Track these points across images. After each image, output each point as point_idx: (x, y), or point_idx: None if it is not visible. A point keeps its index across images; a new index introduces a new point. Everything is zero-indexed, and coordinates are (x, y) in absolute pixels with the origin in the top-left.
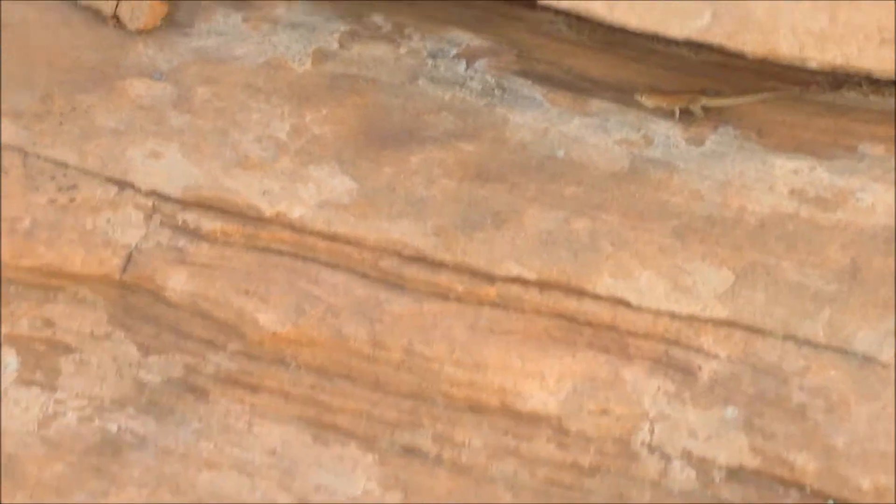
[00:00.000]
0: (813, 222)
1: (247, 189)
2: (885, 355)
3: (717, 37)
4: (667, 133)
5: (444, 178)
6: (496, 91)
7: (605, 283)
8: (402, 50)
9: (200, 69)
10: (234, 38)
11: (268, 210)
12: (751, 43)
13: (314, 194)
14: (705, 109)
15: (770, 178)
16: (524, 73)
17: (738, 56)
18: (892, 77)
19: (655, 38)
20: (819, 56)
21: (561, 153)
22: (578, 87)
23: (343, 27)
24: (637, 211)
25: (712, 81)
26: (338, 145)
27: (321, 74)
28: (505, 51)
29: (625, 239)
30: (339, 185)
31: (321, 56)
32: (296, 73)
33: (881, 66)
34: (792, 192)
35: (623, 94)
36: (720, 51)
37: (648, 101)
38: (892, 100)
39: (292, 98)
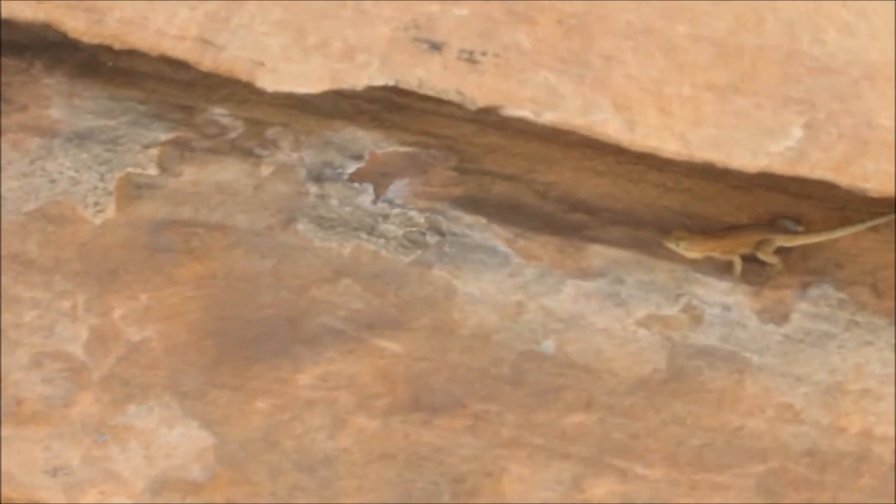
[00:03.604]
0: None
1: (25, 468)
2: None
3: (815, 168)
4: (724, 301)
5: (359, 414)
6: (429, 238)
7: None
8: (266, 169)
9: None
10: None
11: None
12: (876, 177)
13: (142, 467)
14: (782, 253)
15: None
16: (473, 203)
17: None
18: None
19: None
20: None
21: (549, 347)
22: (566, 222)
23: (164, 134)
24: (692, 450)
25: (783, 198)
26: (173, 362)
27: (133, 226)
28: (436, 162)
29: None
30: (185, 440)
31: (131, 191)
32: (91, 227)
33: None
34: None
35: (640, 230)
36: None
37: (688, 250)
38: None
39: (88, 276)
